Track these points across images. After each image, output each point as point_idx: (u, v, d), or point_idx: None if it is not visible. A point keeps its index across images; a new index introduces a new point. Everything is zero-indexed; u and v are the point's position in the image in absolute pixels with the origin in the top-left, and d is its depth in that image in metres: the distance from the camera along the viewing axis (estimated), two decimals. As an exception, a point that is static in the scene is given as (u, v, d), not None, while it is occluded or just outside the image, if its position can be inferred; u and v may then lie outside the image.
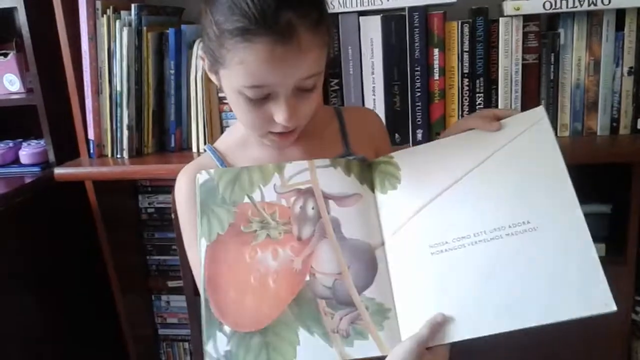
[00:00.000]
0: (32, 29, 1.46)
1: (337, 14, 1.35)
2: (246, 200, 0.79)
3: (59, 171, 1.42)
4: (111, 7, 1.39)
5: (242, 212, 0.79)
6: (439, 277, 0.74)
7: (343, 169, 0.82)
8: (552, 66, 1.32)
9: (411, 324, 0.73)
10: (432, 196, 0.79)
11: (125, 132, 1.44)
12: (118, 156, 1.47)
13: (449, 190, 0.79)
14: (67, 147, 1.52)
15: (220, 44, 0.75)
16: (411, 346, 0.70)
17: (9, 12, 1.58)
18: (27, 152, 1.56)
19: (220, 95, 1.43)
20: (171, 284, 1.70)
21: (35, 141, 1.63)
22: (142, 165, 1.41)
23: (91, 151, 1.47)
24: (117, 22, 1.38)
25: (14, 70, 1.60)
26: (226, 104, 1.43)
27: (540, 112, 0.81)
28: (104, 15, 1.39)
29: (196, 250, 0.80)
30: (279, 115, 0.77)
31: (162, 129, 1.49)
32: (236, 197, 0.79)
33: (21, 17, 1.45)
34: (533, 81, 1.33)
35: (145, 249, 1.70)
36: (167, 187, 1.61)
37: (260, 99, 0.77)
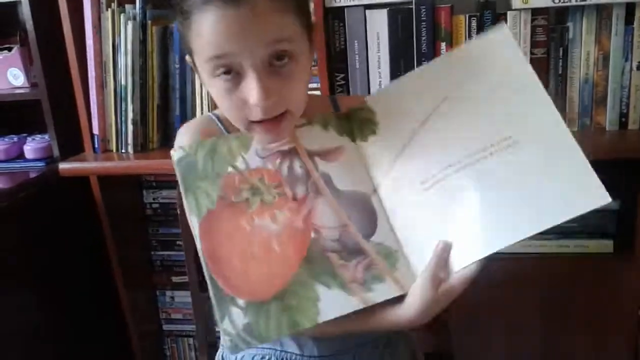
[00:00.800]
0: (36, 22, 1.45)
1: (343, 7, 1.33)
2: (230, 170, 0.77)
3: (63, 166, 1.42)
4: (115, 1, 1.39)
5: (229, 182, 0.76)
6: (435, 209, 0.75)
7: (320, 125, 0.80)
8: (560, 60, 1.31)
9: (422, 259, 0.74)
10: (412, 133, 0.78)
11: (130, 127, 1.43)
12: (123, 151, 1.46)
13: (427, 122, 0.78)
14: (71, 141, 1.52)
15: (184, 27, 0.73)
16: (423, 281, 0.72)
17: (13, 6, 1.57)
18: (32, 146, 1.56)
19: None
20: (176, 279, 1.70)
21: (40, 136, 1.62)
22: (146, 160, 1.41)
23: (96, 146, 1.47)
24: (122, 15, 1.38)
25: (18, 65, 1.59)
26: (231, 98, 1.42)
27: (501, 27, 0.78)
28: (109, 9, 1.38)
29: None
30: (251, 94, 0.72)
31: (167, 124, 1.48)
32: (219, 168, 0.76)
33: (25, 11, 1.44)
34: (541, 75, 1.27)
35: (149, 244, 1.70)
36: (171, 182, 1.60)
37: (233, 80, 0.72)
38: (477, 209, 0.72)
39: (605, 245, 1.33)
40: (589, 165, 0.70)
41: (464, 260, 0.71)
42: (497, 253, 0.70)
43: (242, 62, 0.71)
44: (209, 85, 0.78)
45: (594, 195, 0.69)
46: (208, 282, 0.73)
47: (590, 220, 1.32)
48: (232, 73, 0.72)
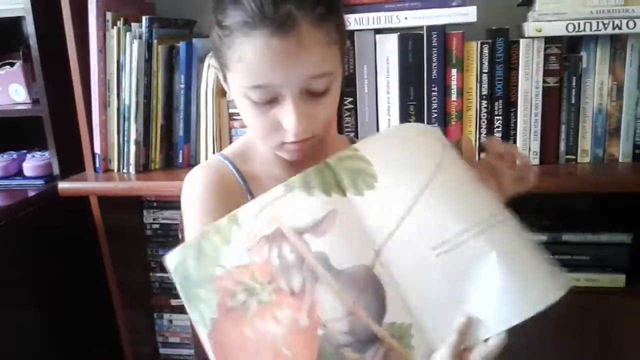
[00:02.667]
0: (40, 39, 1.43)
1: (353, 31, 1.31)
2: (219, 271, 0.69)
3: (63, 186, 1.38)
4: (122, 19, 1.36)
5: (222, 285, 0.68)
6: (450, 277, 0.69)
7: (302, 190, 0.70)
8: (573, 90, 1.29)
9: (436, 330, 0.68)
10: (415, 194, 0.71)
11: (133, 147, 1.40)
12: (124, 171, 1.43)
13: (432, 183, 0.71)
14: (72, 159, 1.49)
15: (222, 43, 0.73)
16: (444, 354, 0.66)
17: (17, 21, 1.55)
18: (31, 164, 1.53)
19: (231, 110, 1.40)
20: (174, 302, 1.66)
21: (40, 153, 1.59)
22: (148, 182, 1.38)
23: (97, 165, 1.43)
24: (128, 34, 1.35)
25: (20, 80, 1.57)
26: (236, 119, 1.40)
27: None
28: (114, 27, 1.36)
29: None
30: (288, 121, 0.73)
31: (170, 144, 1.45)
32: (209, 272, 0.69)
33: (29, 27, 1.43)
34: (554, 105, 1.29)
35: (148, 266, 1.66)
36: (172, 202, 1.57)
37: (267, 102, 0.73)
38: (493, 278, 0.67)
39: (617, 280, 1.29)
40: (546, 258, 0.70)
41: (485, 332, 0.67)
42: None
43: (282, 90, 0.71)
44: (239, 103, 0.77)
45: (562, 283, 0.68)
46: None
47: (602, 253, 1.29)
48: (268, 99, 0.73)
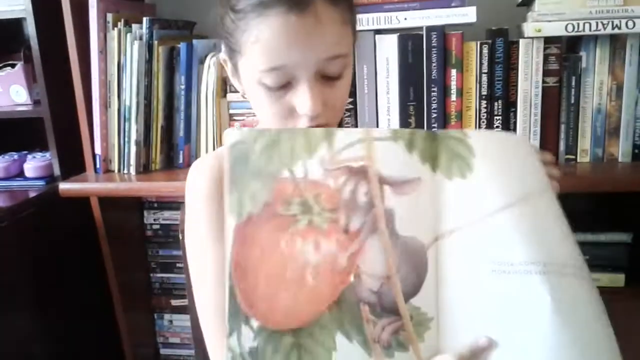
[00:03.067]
0: (41, 40, 1.43)
1: (353, 31, 1.31)
2: (286, 174, 0.65)
3: (64, 186, 1.39)
4: (122, 20, 1.36)
5: (281, 189, 0.65)
6: (494, 298, 0.66)
7: (405, 144, 0.67)
8: (573, 90, 1.29)
9: (451, 337, 0.66)
10: (503, 205, 0.67)
11: (133, 148, 1.40)
12: (125, 171, 1.43)
13: (523, 203, 0.68)
14: (72, 160, 1.49)
15: (236, 27, 0.72)
16: None
17: (18, 23, 1.56)
18: (32, 165, 1.53)
19: (232, 111, 1.41)
20: (175, 302, 1.66)
21: (40, 154, 1.59)
22: (148, 182, 1.38)
23: (97, 166, 1.44)
24: (128, 35, 1.36)
25: (21, 82, 1.57)
26: (237, 120, 1.40)
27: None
28: (115, 28, 1.36)
29: (212, 253, 0.75)
30: (303, 104, 0.72)
31: (171, 145, 1.46)
32: (274, 168, 0.65)
33: (30, 28, 1.43)
34: (553, 105, 1.29)
35: (149, 266, 1.66)
36: (173, 203, 1.57)
37: (281, 87, 0.72)
38: (537, 322, 0.64)
39: (617, 279, 1.30)
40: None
41: None
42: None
43: (297, 72, 0.71)
44: (251, 90, 0.76)
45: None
46: (227, 290, 0.65)
47: (602, 253, 1.29)
48: (283, 82, 0.72)
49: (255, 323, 0.65)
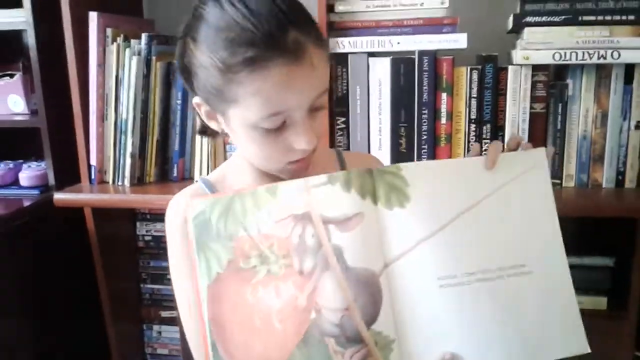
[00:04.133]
0: (41, 51, 1.46)
1: (347, 54, 1.35)
2: (242, 232, 0.72)
3: (58, 196, 1.41)
4: (122, 35, 1.39)
5: (240, 246, 0.72)
6: (446, 311, 0.73)
7: (342, 185, 0.74)
8: (559, 116, 1.32)
9: (415, 355, 0.72)
10: (442, 224, 0.75)
11: (128, 160, 1.42)
12: (119, 183, 1.45)
13: (457, 220, 0.75)
14: (67, 170, 1.51)
15: (228, 80, 0.72)
16: None
17: (18, 33, 1.58)
18: (27, 174, 1.55)
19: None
20: (164, 314, 1.67)
21: (36, 163, 1.61)
22: (142, 195, 1.40)
23: (92, 177, 1.46)
24: (127, 50, 1.38)
25: (19, 92, 1.59)
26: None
27: (540, 154, 0.81)
28: (114, 43, 1.39)
29: (185, 285, 0.79)
30: (301, 142, 0.75)
31: (165, 159, 1.48)
32: (231, 229, 0.72)
33: (30, 39, 1.45)
34: (540, 130, 1.33)
35: (139, 277, 1.67)
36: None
37: (277, 129, 0.75)
38: (485, 326, 0.72)
39: (599, 302, 1.32)
40: (579, 314, 0.75)
41: None
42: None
43: (294, 113, 0.74)
44: (244, 134, 0.77)
45: (577, 344, 0.73)
46: (209, 347, 0.71)
47: (585, 276, 1.32)
48: (279, 123, 0.74)
49: None
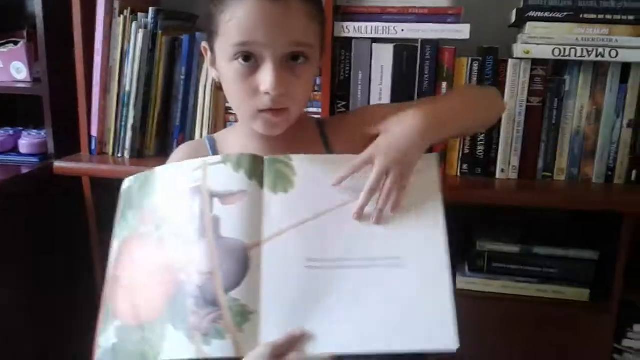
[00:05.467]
0: (47, 20, 1.45)
1: (351, 38, 1.37)
2: (148, 202, 0.84)
3: (59, 164, 1.42)
4: (129, 8, 1.40)
5: (144, 215, 0.84)
6: (309, 291, 0.77)
7: (232, 165, 0.83)
8: (555, 111, 1.35)
9: (273, 330, 0.75)
10: (319, 212, 0.82)
11: (129, 132, 1.44)
12: (119, 155, 1.47)
13: (335, 209, 0.82)
14: (67, 140, 1.52)
15: (216, 10, 0.81)
16: (264, 352, 0.72)
17: (23, 1, 1.58)
18: (27, 141, 1.55)
19: (227, 104, 1.45)
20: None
21: (36, 131, 1.62)
22: (142, 167, 1.40)
23: (92, 147, 1.47)
24: (134, 23, 1.39)
25: (22, 59, 1.59)
26: (232, 113, 1.45)
27: (433, 159, 0.88)
28: (121, 16, 1.40)
29: None
30: (265, 82, 0.79)
31: (166, 133, 1.49)
32: (142, 200, 0.85)
33: (37, 7, 1.45)
34: (535, 123, 1.36)
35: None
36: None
37: (249, 67, 0.80)
38: (345, 309, 0.77)
39: (581, 294, 1.36)
40: (452, 310, 0.77)
41: (312, 349, 0.74)
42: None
43: (264, 52, 0.79)
44: (224, 69, 0.84)
45: (445, 340, 0.75)
46: (103, 298, 0.82)
47: (569, 268, 1.36)
48: (251, 61, 0.80)
49: (117, 322, 0.79)
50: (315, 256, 0.79)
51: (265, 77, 0.79)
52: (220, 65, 0.86)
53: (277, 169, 0.83)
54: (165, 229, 0.81)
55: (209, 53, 0.90)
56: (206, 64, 0.95)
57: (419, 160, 0.86)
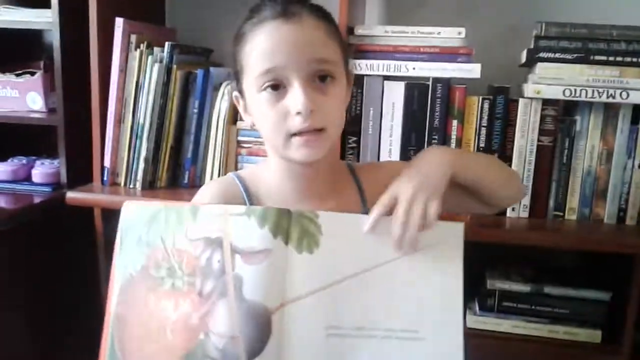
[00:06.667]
0: (64, 52, 1.49)
1: (363, 76, 1.38)
2: (159, 243, 0.79)
3: (71, 195, 1.43)
4: (145, 42, 1.43)
5: (154, 255, 0.79)
6: (328, 358, 0.77)
7: (257, 219, 0.77)
8: (566, 151, 1.36)
9: None
10: (344, 277, 0.79)
11: (142, 164, 1.45)
12: (130, 186, 1.48)
13: (360, 275, 0.79)
14: (80, 170, 1.53)
15: (240, 49, 0.83)
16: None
17: (40, 32, 1.61)
18: (40, 171, 1.57)
19: (240, 138, 1.46)
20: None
21: (49, 160, 1.64)
22: (154, 198, 1.42)
23: (104, 178, 1.48)
24: (150, 57, 1.42)
25: (38, 89, 1.62)
26: (244, 147, 1.46)
27: (459, 229, 0.82)
28: (137, 49, 1.43)
29: None
30: (294, 101, 0.78)
31: (178, 165, 1.51)
32: (151, 237, 0.79)
33: (55, 39, 1.48)
34: (546, 163, 1.36)
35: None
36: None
37: (277, 94, 0.80)
38: None
39: (594, 335, 1.34)
40: None
41: None
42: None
43: (289, 75, 0.79)
44: (254, 105, 0.84)
45: None
46: (108, 338, 0.78)
47: (581, 309, 1.34)
48: (280, 89, 0.80)
49: None
50: (335, 323, 0.77)
51: (295, 97, 0.78)
52: (250, 105, 0.86)
53: (303, 225, 0.79)
54: (180, 278, 0.78)
55: (240, 102, 0.90)
56: (240, 113, 0.93)
57: (445, 188, 0.82)
